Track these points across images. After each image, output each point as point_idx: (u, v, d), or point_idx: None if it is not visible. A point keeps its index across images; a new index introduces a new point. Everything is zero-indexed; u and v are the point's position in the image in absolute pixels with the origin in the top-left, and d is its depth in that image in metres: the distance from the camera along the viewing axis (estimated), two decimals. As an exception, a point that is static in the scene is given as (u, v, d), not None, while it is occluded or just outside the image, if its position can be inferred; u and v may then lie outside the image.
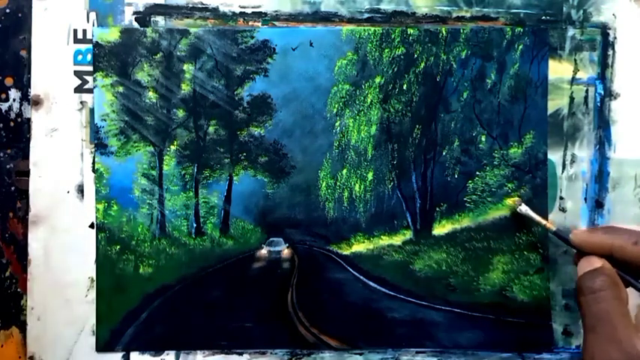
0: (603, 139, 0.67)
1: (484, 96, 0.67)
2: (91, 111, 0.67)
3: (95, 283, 0.66)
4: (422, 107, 0.68)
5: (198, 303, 0.67)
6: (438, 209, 0.68)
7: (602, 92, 0.67)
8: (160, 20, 0.67)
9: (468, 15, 0.67)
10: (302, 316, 0.67)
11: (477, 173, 0.67)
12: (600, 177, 0.67)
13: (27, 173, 0.66)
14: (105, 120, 0.67)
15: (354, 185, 0.68)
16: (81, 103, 0.67)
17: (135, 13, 0.66)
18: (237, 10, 0.67)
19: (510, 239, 0.67)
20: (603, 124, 0.67)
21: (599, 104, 0.67)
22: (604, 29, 0.67)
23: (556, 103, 0.67)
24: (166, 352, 0.66)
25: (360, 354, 0.67)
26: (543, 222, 0.63)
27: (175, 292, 0.67)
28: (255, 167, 0.68)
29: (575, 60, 0.67)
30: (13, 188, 0.67)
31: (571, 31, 0.67)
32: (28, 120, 0.66)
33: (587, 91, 0.67)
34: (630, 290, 0.50)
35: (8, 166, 0.67)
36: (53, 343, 0.66)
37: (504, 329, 0.66)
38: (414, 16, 0.67)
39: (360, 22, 0.67)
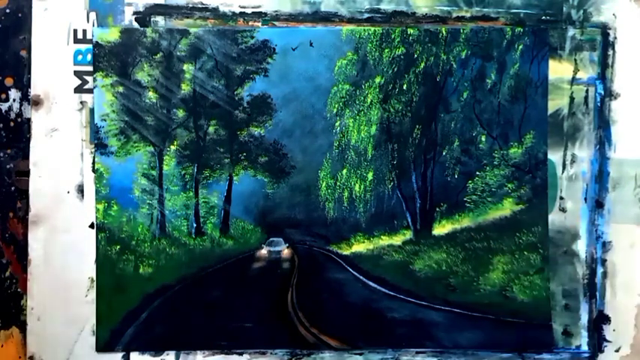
0: (603, 139, 0.67)
1: (484, 96, 0.67)
2: (91, 111, 0.67)
3: (95, 283, 0.66)
4: (422, 107, 0.68)
5: (198, 303, 0.67)
6: (438, 209, 0.68)
7: (602, 92, 0.67)
8: (160, 20, 0.67)
9: (468, 15, 0.67)
10: (302, 316, 0.67)
11: (477, 173, 0.67)
12: (600, 177, 0.67)
13: (27, 173, 0.66)
14: (105, 120, 0.67)
15: (354, 185, 0.68)
16: (81, 103, 0.67)
17: (135, 13, 0.66)
18: (237, 10, 0.67)
19: (510, 239, 0.67)
20: (603, 124, 0.67)
21: (599, 104, 0.67)
22: (604, 29, 0.67)
23: (556, 103, 0.67)
24: (166, 352, 0.66)
25: (360, 354, 0.67)
26: None
27: (175, 292, 0.67)
28: (255, 167, 0.68)
29: (575, 60, 0.67)
30: (13, 188, 0.67)
31: (571, 31, 0.67)
32: (28, 120, 0.66)
33: (587, 91, 0.67)
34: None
35: (8, 166, 0.67)
36: (53, 343, 0.66)
37: (504, 329, 0.66)
38: (414, 16, 0.67)
39: (360, 22, 0.67)
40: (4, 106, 0.67)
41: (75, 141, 0.67)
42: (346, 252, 0.68)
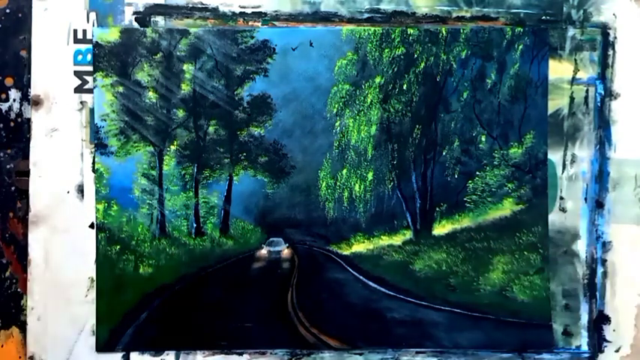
0: (603, 139, 0.67)
1: (484, 96, 0.67)
2: (91, 111, 0.67)
3: (95, 283, 0.66)
4: (422, 107, 0.68)
5: (198, 303, 0.67)
6: (438, 209, 0.68)
7: (603, 92, 0.67)
8: (160, 20, 0.67)
9: (468, 15, 0.67)
10: (302, 316, 0.67)
11: (477, 173, 0.67)
12: (600, 177, 0.67)
13: (27, 173, 0.66)
14: (105, 120, 0.67)
15: (354, 185, 0.68)
16: (81, 103, 0.67)
17: (135, 13, 0.66)
18: (237, 10, 0.67)
19: (510, 239, 0.67)
20: (603, 124, 0.67)
21: (599, 104, 0.67)
22: (604, 29, 0.67)
23: (556, 103, 0.67)
24: (166, 352, 0.66)
25: (360, 354, 0.67)
26: None
27: (175, 292, 0.67)
28: (255, 167, 0.68)
29: (575, 60, 0.67)
30: (13, 188, 0.67)
31: (571, 31, 0.67)
32: (28, 120, 0.66)
33: (587, 91, 0.67)
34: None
35: (8, 166, 0.67)
36: (53, 343, 0.66)
37: (504, 329, 0.66)
38: (414, 16, 0.67)
39: (360, 22, 0.67)
40: (4, 106, 0.67)
41: (75, 141, 0.67)
42: (346, 252, 0.68)
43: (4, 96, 0.67)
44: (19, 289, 0.67)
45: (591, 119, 0.67)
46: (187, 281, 0.67)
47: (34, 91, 0.66)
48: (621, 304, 0.66)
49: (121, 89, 0.67)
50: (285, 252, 0.68)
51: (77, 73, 0.66)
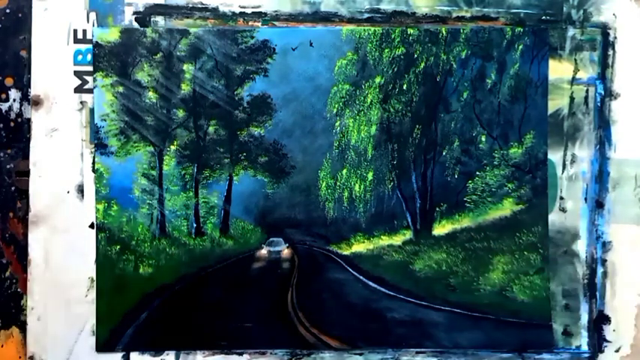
0: (603, 139, 0.67)
1: (484, 96, 0.67)
2: (91, 111, 0.67)
3: (95, 283, 0.66)
4: (422, 107, 0.68)
5: (198, 303, 0.67)
6: (438, 209, 0.68)
7: (603, 92, 0.67)
8: (160, 20, 0.67)
9: (468, 15, 0.67)
10: (302, 316, 0.67)
11: (477, 173, 0.67)
12: (600, 177, 0.67)
13: (27, 173, 0.66)
14: (105, 120, 0.67)
15: (354, 185, 0.68)
16: (81, 103, 0.67)
17: (135, 13, 0.66)
18: (237, 10, 0.67)
19: (510, 239, 0.67)
20: (603, 124, 0.67)
21: (599, 104, 0.67)
22: (604, 29, 0.67)
23: (556, 103, 0.67)
24: (166, 352, 0.66)
25: (360, 354, 0.67)
26: None
27: (175, 292, 0.67)
28: (255, 167, 0.68)
29: (575, 60, 0.67)
30: (13, 188, 0.67)
31: (571, 31, 0.67)
32: (28, 120, 0.66)
33: (587, 91, 0.67)
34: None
35: (8, 166, 0.67)
36: (53, 343, 0.66)
37: (504, 329, 0.66)
38: (414, 16, 0.67)
39: (360, 22, 0.67)
40: (4, 106, 0.67)
41: (75, 141, 0.67)
42: (346, 252, 0.68)
43: (4, 96, 0.67)
44: (19, 289, 0.67)
45: (591, 119, 0.67)
46: (187, 281, 0.67)
47: (34, 91, 0.66)
48: (621, 304, 0.66)
49: (121, 89, 0.67)
50: (285, 252, 0.68)
51: (77, 73, 0.66)
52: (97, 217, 0.66)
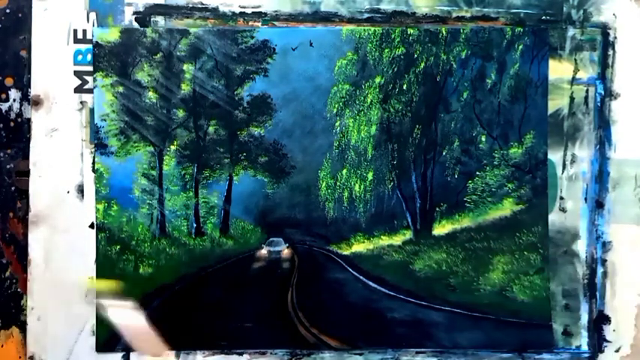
0: (603, 139, 0.67)
1: (484, 96, 0.67)
2: (91, 111, 0.67)
3: (95, 283, 0.66)
4: (422, 107, 0.68)
5: (198, 303, 0.67)
6: (438, 209, 0.68)
7: (603, 92, 0.67)
8: (160, 20, 0.67)
9: (468, 15, 0.67)
10: (302, 316, 0.67)
11: (477, 173, 0.67)
12: (600, 177, 0.67)
13: (27, 173, 0.66)
14: (105, 120, 0.67)
15: (354, 185, 0.68)
16: (81, 103, 0.67)
17: (135, 13, 0.66)
18: (237, 10, 0.67)
19: (510, 239, 0.67)
20: (603, 124, 0.67)
21: (599, 104, 0.67)
22: (604, 29, 0.67)
23: (556, 103, 0.67)
24: (166, 352, 0.66)
25: (360, 354, 0.67)
26: None
27: (175, 292, 0.67)
28: (255, 167, 0.68)
29: (575, 60, 0.67)
30: (13, 188, 0.67)
31: (571, 31, 0.67)
32: (28, 120, 0.66)
33: (587, 91, 0.67)
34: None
35: (8, 166, 0.67)
36: (53, 343, 0.66)
37: (504, 329, 0.66)
38: (414, 16, 0.67)
39: (360, 22, 0.67)
40: (4, 106, 0.67)
41: (75, 141, 0.67)
42: (346, 252, 0.68)
43: (4, 96, 0.67)
44: (19, 289, 0.67)
45: (591, 119, 0.67)
46: (187, 281, 0.67)
47: (34, 91, 0.66)
48: (621, 304, 0.66)
49: (121, 89, 0.67)
50: (285, 252, 0.68)
51: (77, 73, 0.66)
52: (97, 217, 0.66)
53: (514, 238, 0.67)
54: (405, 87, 0.67)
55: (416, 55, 0.67)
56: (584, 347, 0.67)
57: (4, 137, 0.67)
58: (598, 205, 0.67)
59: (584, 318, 0.67)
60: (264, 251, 0.68)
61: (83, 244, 0.66)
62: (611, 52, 0.67)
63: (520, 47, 0.67)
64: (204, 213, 0.68)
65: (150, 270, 0.67)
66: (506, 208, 0.67)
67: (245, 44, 0.67)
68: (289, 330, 0.66)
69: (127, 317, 0.66)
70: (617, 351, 0.67)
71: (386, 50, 0.67)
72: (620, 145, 0.67)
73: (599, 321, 0.67)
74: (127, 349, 0.66)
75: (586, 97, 0.67)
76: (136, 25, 0.67)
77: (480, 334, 0.66)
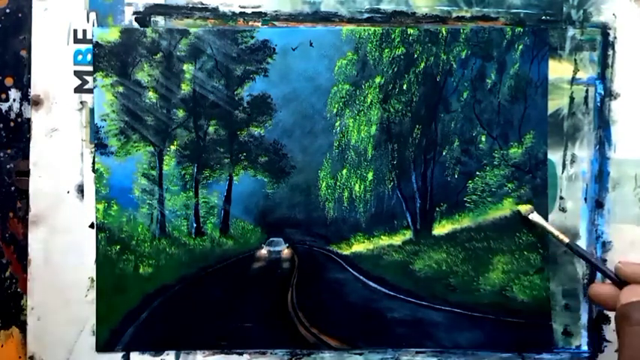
0: (603, 139, 0.67)
1: (484, 96, 0.67)
2: (91, 111, 0.67)
3: (95, 283, 0.66)
4: (422, 107, 0.68)
5: (198, 303, 0.67)
6: (438, 209, 0.68)
7: (602, 92, 0.67)
8: (160, 20, 0.67)
9: (468, 15, 0.67)
10: (302, 316, 0.67)
11: (477, 173, 0.67)
12: (600, 177, 0.67)
13: (27, 173, 0.66)
14: (105, 120, 0.67)
15: (354, 185, 0.68)
16: (81, 103, 0.67)
17: (135, 13, 0.66)
18: (237, 10, 0.67)
19: (510, 239, 0.67)
20: (603, 124, 0.67)
21: (599, 104, 0.67)
22: (604, 29, 0.67)
23: (556, 103, 0.67)
24: (166, 352, 0.66)
25: (360, 354, 0.67)
26: (557, 233, 0.63)
27: (175, 292, 0.67)
28: (255, 167, 0.68)
29: (575, 60, 0.67)
30: (13, 188, 0.67)
31: (571, 31, 0.67)
32: (28, 120, 0.66)
33: (587, 91, 0.67)
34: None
35: (8, 166, 0.67)
36: (53, 343, 0.66)
37: (504, 329, 0.66)
38: (414, 16, 0.67)
39: (360, 22, 0.67)
40: (4, 106, 0.67)
41: (75, 141, 0.67)
42: (346, 252, 0.68)
43: (4, 96, 0.67)
44: (19, 289, 0.67)
45: (591, 119, 0.67)
46: (187, 281, 0.67)
47: (34, 91, 0.66)
48: (621, 304, 0.66)
49: (121, 89, 0.67)
50: (285, 252, 0.68)
51: (77, 73, 0.66)
52: (97, 217, 0.66)
53: (514, 238, 0.67)
54: (405, 87, 0.67)
55: (416, 55, 0.67)
56: (584, 347, 0.67)
57: (4, 137, 0.67)
58: (598, 205, 0.67)
59: (584, 318, 0.67)
60: (264, 251, 0.68)
61: (83, 244, 0.66)
62: (610, 52, 0.67)
63: (520, 47, 0.67)
64: (204, 213, 0.68)
65: (150, 270, 0.67)
66: (506, 208, 0.67)
67: (245, 44, 0.67)
68: (289, 330, 0.66)
69: (127, 317, 0.66)
70: (617, 351, 0.66)
71: (386, 50, 0.67)
72: (620, 145, 0.67)
73: (599, 321, 0.67)
74: (127, 349, 0.66)
75: (586, 97, 0.67)
76: (136, 25, 0.67)
77: (479, 334, 0.66)
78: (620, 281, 0.56)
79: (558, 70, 0.67)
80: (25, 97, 0.67)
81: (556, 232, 0.63)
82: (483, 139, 0.67)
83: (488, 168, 0.67)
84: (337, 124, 0.68)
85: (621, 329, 0.50)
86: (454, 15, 0.67)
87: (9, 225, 0.67)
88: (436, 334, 0.66)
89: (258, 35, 0.67)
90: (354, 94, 0.67)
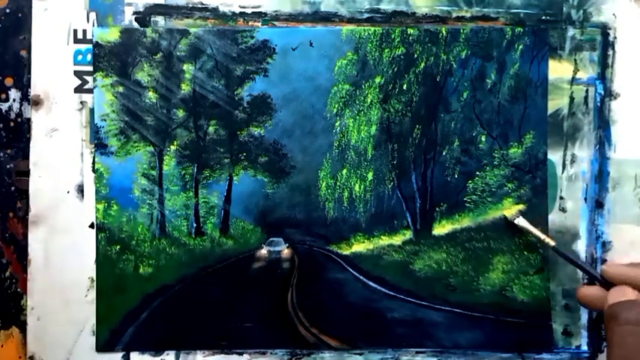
0: (603, 139, 0.67)
1: (484, 96, 0.67)
2: (91, 111, 0.67)
3: (95, 283, 0.66)
4: (422, 107, 0.68)
5: (198, 303, 0.67)
6: (438, 209, 0.68)
7: (602, 92, 0.67)
8: (160, 20, 0.67)
9: (468, 15, 0.67)
10: (302, 316, 0.67)
11: (477, 173, 0.67)
12: (600, 177, 0.67)
13: (27, 173, 0.66)
14: (105, 120, 0.67)
15: (354, 185, 0.68)
16: (81, 103, 0.67)
17: (135, 13, 0.66)
18: (237, 10, 0.67)
19: (510, 239, 0.67)
20: (603, 124, 0.67)
21: (599, 104, 0.67)
22: (604, 29, 0.67)
23: (556, 103, 0.67)
24: (166, 352, 0.66)
25: (360, 354, 0.67)
26: (542, 237, 0.63)
27: (175, 292, 0.67)
28: (255, 167, 0.68)
29: (575, 60, 0.67)
30: (13, 188, 0.67)
31: (571, 31, 0.67)
32: (28, 120, 0.66)
33: (587, 91, 0.67)
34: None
35: (8, 166, 0.67)
36: (53, 343, 0.66)
37: (504, 329, 0.66)
38: (414, 16, 0.67)
39: (360, 22, 0.67)
40: (4, 106, 0.67)
41: (75, 141, 0.67)
42: (346, 252, 0.68)
43: (4, 96, 0.67)
44: (19, 289, 0.67)
45: (591, 119, 0.67)
46: (187, 281, 0.67)
47: (34, 91, 0.66)
48: (621, 304, 0.66)
49: (121, 89, 0.67)
50: (285, 252, 0.68)
51: (77, 73, 0.66)
52: (97, 217, 0.66)
53: (514, 238, 0.67)
54: (405, 87, 0.67)
55: (416, 55, 0.67)
56: (584, 347, 0.67)
57: (4, 137, 0.67)
58: (598, 205, 0.67)
59: (584, 318, 0.67)
60: (264, 251, 0.68)
61: (83, 244, 0.66)
62: (610, 52, 0.67)
63: (520, 47, 0.67)
64: (204, 213, 0.68)
65: (150, 270, 0.67)
66: (506, 208, 0.67)
67: (245, 44, 0.67)
68: (289, 330, 0.66)
69: (127, 317, 0.66)
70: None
71: (386, 50, 0.67)
72: (620, 145, 0.67)
73: (599, 321, 0.67)
74: (127, 349, 0.66)
75: (586, 97, 0.67)
76: (136, 25, 0.67)
77: (479, 334, 0.66)
78: (607, 283, 0.56)
79: (558, 70, 0.67)
80: (25, 97, 0.67)
81: (542, 236, 0.63)
82: (483, 139, 0.67)
83: (488, 168, 0.67)
84: (337, 124, 0.68)
85: (610, 329, 0.51)
86: (454, 15, 0.67)
87: (9, 225, 0.67)
88: (436, 334, 0.66)
89: (258, 35, 0.67)
90: (354, 94, 0.67)
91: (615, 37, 0.67)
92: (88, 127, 0.67)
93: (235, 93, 0.67)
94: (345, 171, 0.68)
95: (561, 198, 0.67)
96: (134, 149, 0.67)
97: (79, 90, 0.66)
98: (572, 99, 0.67)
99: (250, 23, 0.67)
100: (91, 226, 0.66)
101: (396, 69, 0.67)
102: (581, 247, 0.67)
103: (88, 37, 0.66)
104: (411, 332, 0.66)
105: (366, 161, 0.68)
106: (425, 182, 0.68)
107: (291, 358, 0.67)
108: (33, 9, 0.66)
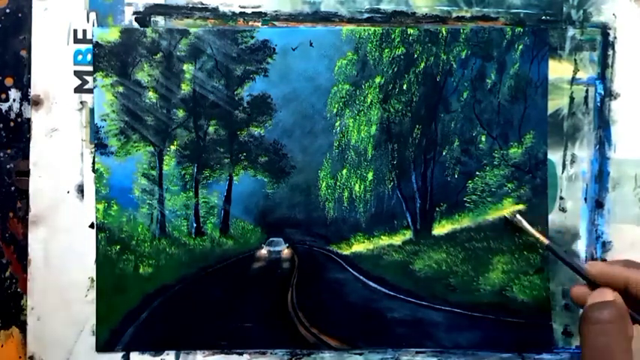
0: (603, 139, 0.67)
1: (484, 96, 0.67)
2: (91, 111, 0.67)
3: (95, 283, 0.66)
4: (422, 107, 0.68)
5: (198, 303, 0.67)
6: (438, 209, 0.68)
7: (602, 92, 0.67)
8: (160, 20, 0.67)
9: (468, 15, 0.67)
10: (302, 316, 0.67)
11: (477, 173, 0.67)
12: (600, 177, 0.67)
13: (27, 173, 0.66)
14: (105, 120, 0.67)
15: (354, 185, 0.68)
16: (81, 103, 0.67)
17: (135, 13, 0.66)
18: (237, 10, 0.67)
19: (510, 239, 0.67)
20: (603, 124, 0.67)
21: (599, 104, 0.67)
22: (604, 29, 0.67)
23: (556, 103, 0.67)
24: (166, 352, 0.66)
25: (360, 354, 0.67)
26: (537, 235, 0.63)
27: (175, 292, 0.67)
28: (255, 167, 0.68)
29: (575, 60, 0.67)
30: (13, 188, 0.67)
31: (571, 31, 0.67)
32: (28, 120, 0.66)
33: (587, 91, 0.67)
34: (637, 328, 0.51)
35: (8, 166, 0.67)
36: (53, 343, 0.66)
37: (504, 329, 0.66)
38: (414, 16, 0.67)
39: (360, 22, 0.67)
40: (4, 106, 0.67)
41: (75, 141, 0.67)
42: (346, 252, 0.68)
43: (4, 96, 0.67)
44: (19, 289, 0.67)
45: (591, 119, 0.67)
46: (187, 281, 0.67)
47: (34, 91, 0.66)
48: (621, 304, 0.66)
49: (121, 89, 0.67)
50: (285, 252, 0.68)
51: (77, 73, 0.66)
52: (97, 217, 0.66)
53: (514, 238, 0.67)
54: (405, 87, 0.67)
55: (416, 55, 0.67)
56: (584, 347, 0.67)
57: (4, 137, 0.67)
58: (598, 205, 0.67)
59: (584, 318, 0.67)
60: (264, 251, 0.68)
61: (83, 244, 0.66)
62: (610, 52, 0.67)
63: (520, 47, 0.67)
64: (204, 213, 0.68)
65: (150, 270, 0.67)
66: (506, 208, 0.67)
67: (245, 44, 0.67)
68: (289, 330, 0.66)
69: (127, 317, 0.66)
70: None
71: (386, 50, 0.67)
72: (620, 145, 0.67)
73: (599, 321, 0.67)
74: (127, 349, 0.66)
75: (586, 97, 0.67)
76: (136, 25, 0.67)
77: (479, 334, 0.66)
78: (591, 282, 0.56)
79: (558, 70, 0.67)
80: (25, 97, 0.67)
81: (537, 235, 0.63)
82: (483, 139, 0.67)
83: (488, 168, 0.67)
84: (337, 124, 0.68)
85: (582, 330, 0.51)
86: (454, 15, 0.67)
87: (9, 225, 0.67)
88: (436, 334, 0.66)
89: (258, 35, 0.67)
90: (354, 94, 0.67)
91: (615, 37, 0.67)
92: (88, 127, 0.67)
93: (235, 93, 0.67)
94: (345, 171, 0.68)
95: (561, 198, 0.67)
96: (134, 149, 0.67)
97: (79, 90, 0.66)
98: (572, 99, 0.67)
99: (250, 23, 0.67)
100: (91, 226, 0.66)
101: (396, 69, 0.67)
102: (581, 247, 0.67)
103: (88, 37, 0.66)
104: (411, 332, 0.66)
105: (366, 161, 0.68)
106: (425, 182, 0.68)
107: (291, 358, 0.67)
108: (33, 9, 0.66)
